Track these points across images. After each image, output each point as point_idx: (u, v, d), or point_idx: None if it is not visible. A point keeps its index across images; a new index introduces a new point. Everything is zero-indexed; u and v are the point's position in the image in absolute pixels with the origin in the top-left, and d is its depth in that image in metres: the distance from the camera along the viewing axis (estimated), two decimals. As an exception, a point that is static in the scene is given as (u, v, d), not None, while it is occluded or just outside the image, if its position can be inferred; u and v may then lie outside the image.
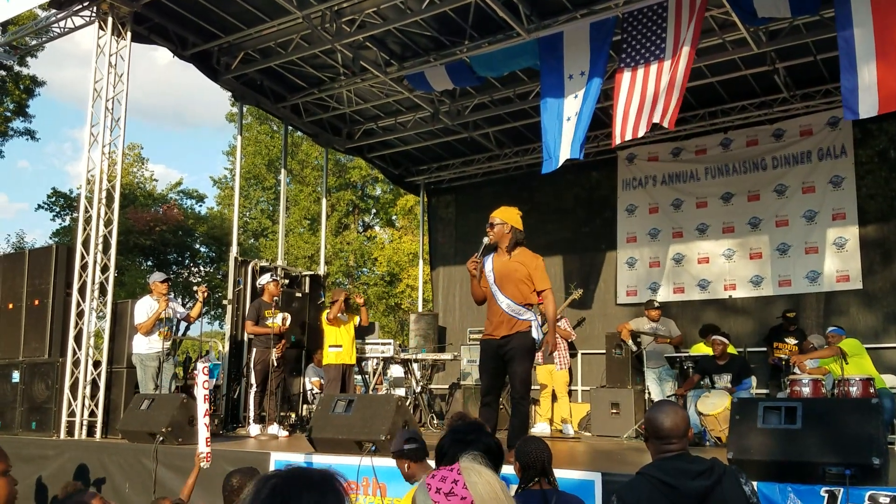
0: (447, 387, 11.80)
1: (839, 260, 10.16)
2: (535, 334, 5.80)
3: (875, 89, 6.42)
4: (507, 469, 3.69)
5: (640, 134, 7.63)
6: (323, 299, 11.26)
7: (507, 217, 5.91)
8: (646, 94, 7.57)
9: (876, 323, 9.61)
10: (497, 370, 5.86)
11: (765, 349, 9.90)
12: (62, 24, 9.24)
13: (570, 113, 8.09)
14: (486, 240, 5.90)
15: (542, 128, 8.31)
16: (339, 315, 9.05)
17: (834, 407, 4.89)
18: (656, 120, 7.40)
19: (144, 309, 8.30)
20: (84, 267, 8.45)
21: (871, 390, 7.27)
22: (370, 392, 10.61)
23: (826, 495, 4.11)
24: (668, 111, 7.31)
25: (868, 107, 6.49)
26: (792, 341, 9.32)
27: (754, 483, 3.84)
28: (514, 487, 3.64)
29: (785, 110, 10.57)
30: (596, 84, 7.93)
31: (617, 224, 12.01)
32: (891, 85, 6.36)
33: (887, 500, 3.97)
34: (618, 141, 7.83)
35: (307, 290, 11.11)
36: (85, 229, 8.55)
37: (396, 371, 11.46)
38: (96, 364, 8.46)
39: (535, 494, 3.59)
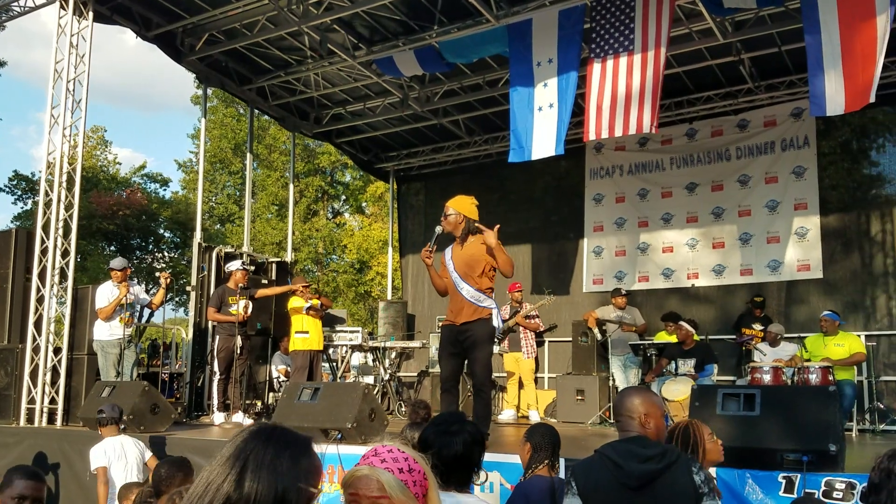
0: (416, 374, 11.82)
1: (800, 249, 10.33)
2: (496, 322, 5.86)
3: (842, 90, 6.63)
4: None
5: (617, 134, 7.73)
6: (290, 285, 11.18)
7: (460, 207, 5.98)
8: (618, 93, 7.62)
9: (836, 311, 9.79)
10: (457, 356, 5.93)
11: (725, 336, 10.06)
12: (22, 2, 9.00)
13: (542, 103, 8.09)
14: (438, 229, 6.00)
15: (510, 116, 8.31)
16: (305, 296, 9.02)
17: (792, 394, 4.98)
18: (645, 130, 7.56)
19: (105, 294, 8.17)
20: (44, 251, 8.30)
21: (830, 378, 7.42)
22: (338, 380, 10.59)
23: (784, 481, 4.18)
24: (654, 119, 7.45)
25: (835, 105, 6.72)
26: (758, 327, 9.49)
27: (712, 469, 3.90)
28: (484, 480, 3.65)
29: (750, 101, 10.67)
30: (571, 77, 7.94)
31: (585, 213, 12.07)
32: (856, 86, 6.58)
33: (843, 486, 4.04)
34: (591, 137, 7.89)
35: (274, 277, 11.02)
36: (45, 213, 8.38)
37: (356, 359, 11.46)
38: (57, 350, 8.33)
39: (543, 481, 3.64)
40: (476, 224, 5.90)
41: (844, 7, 6.69)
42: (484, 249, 5.83)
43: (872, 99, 6.47)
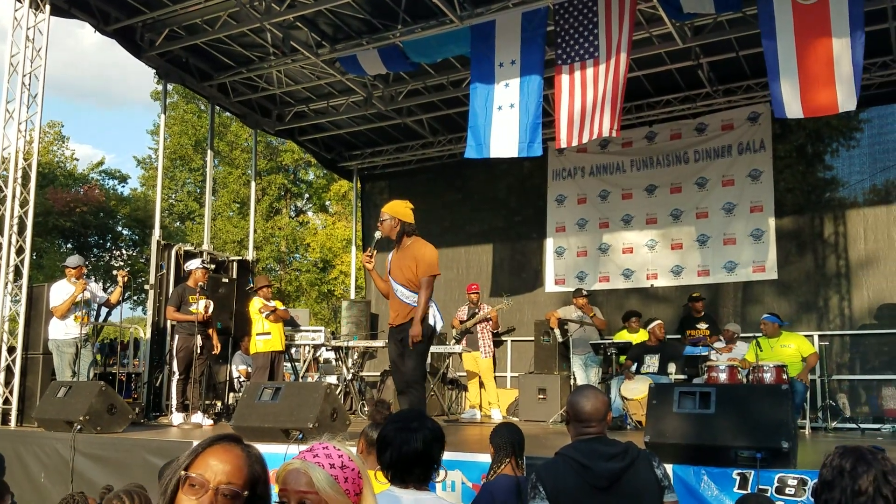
0: (379, 374, 11.78)
1: (756, 251, 10.54)
2: (432, 321, 5.99)
3: (798, 96, 6.87)
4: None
5: (584, 141, 7.89)
6: (252, 285, 11.09)
7: (394, 211, 6.10)
8: (586, 101, 7.76)
9: (790, 311, 10.02)
10: (403, 358, 6.02)
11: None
12: (-26, -7, 8.79)
13: (502, 102, 8.15)
14: (377, 234, 6.19)
15: (469, 113, 8.39)
16: (266, 303, 9.02)
17: (746, 393, 5.08)
18: (605, 134, 7.72)
19: (60, 292, 8.03)
20: (-3, 249, 8.11)
21: (784, 377, 7.58)
22: (300, 379, 10.52)
23: (738, 478, 4.28)
24: (614, 122, 7.61)
25: (794, 110, 6.95)
26: (703, 326, 9.65)
27: (669, 466, 3.97)
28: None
29: (708, 105, 10.86)
30: (534, 79, 8.02)
31: (547, 213, 12.18)
32: (810, 93, 6.85)
33: (795, 482, 4.15)
34: (563, 145, 8.02)
35: (234, 276, 10.91)
36: (-1, 210, 8.20)
37: (325, 353, 11.43)
38: (11, 350, 8.16)
39: (508, 480, 3.67)
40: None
41: (800, 22, 6.89)
42: (415, 253, 5.94)
43: (849, 108, 6.71)
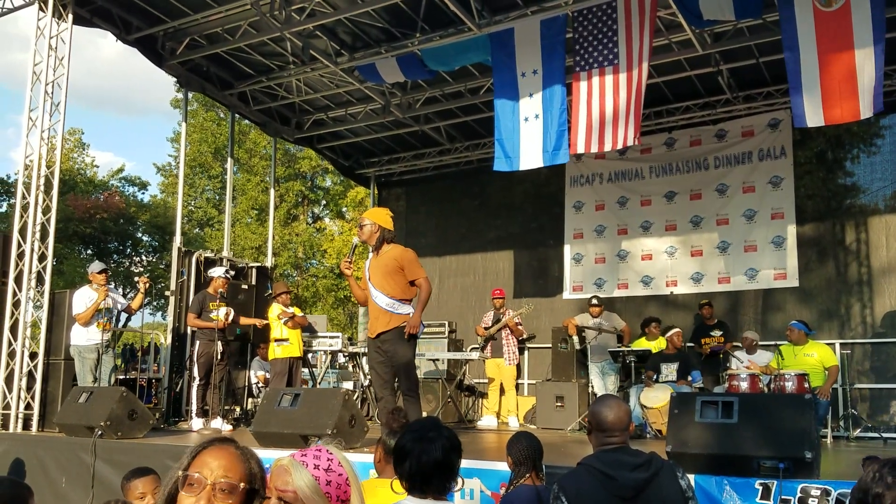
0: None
1: (777, 258, 10.45)
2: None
3: (820, 103, 6.86)
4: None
5: (606, 149, 7.89)
6: (270, 291, 11.14)
7: (375, 217, 6.17)
8: (605, 108, 7.74)
9: (811, 319, 9.87)
10: (384, 366, 6.04)
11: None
12: (0, 4, 8.91)
13: (528, 113, 8.14)
14: (355, 240, 6.25)
15: (495, 125, 8.36)
16: (285, 310, 9.07)
17: (769, 402, 5.03)
18: (629, 143, 7.71)
19: (83, 299, 8.10)
20: (21, 255, 8.21)
21: (806, 385, 7.50)
22: (318, 385, 10.55)
23: (760, 488, 4.23)
24: (637, 131, 7.61)
25: (815, 119, 6.93)
26: (717, 333, 9.57)
27: (691, 476, 3.94)
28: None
29: (728, 111, 10.80)
30: (556, 88, 8.01)
31: (564, 220, 12.14)
32: (833, 100, 6.82)
33: (818, 492, 4.10)
34: (580, 151, 8.00)
35: (254, 282, 10.96)
36: (22, 217, 8.29)
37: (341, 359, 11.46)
38: (33, 355, 8.23)
39: (528, 490, 3.66)
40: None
41: (822, 29, 6.86)
42: (398, 258, 5.98)
43: (869, 114, 6.68)
